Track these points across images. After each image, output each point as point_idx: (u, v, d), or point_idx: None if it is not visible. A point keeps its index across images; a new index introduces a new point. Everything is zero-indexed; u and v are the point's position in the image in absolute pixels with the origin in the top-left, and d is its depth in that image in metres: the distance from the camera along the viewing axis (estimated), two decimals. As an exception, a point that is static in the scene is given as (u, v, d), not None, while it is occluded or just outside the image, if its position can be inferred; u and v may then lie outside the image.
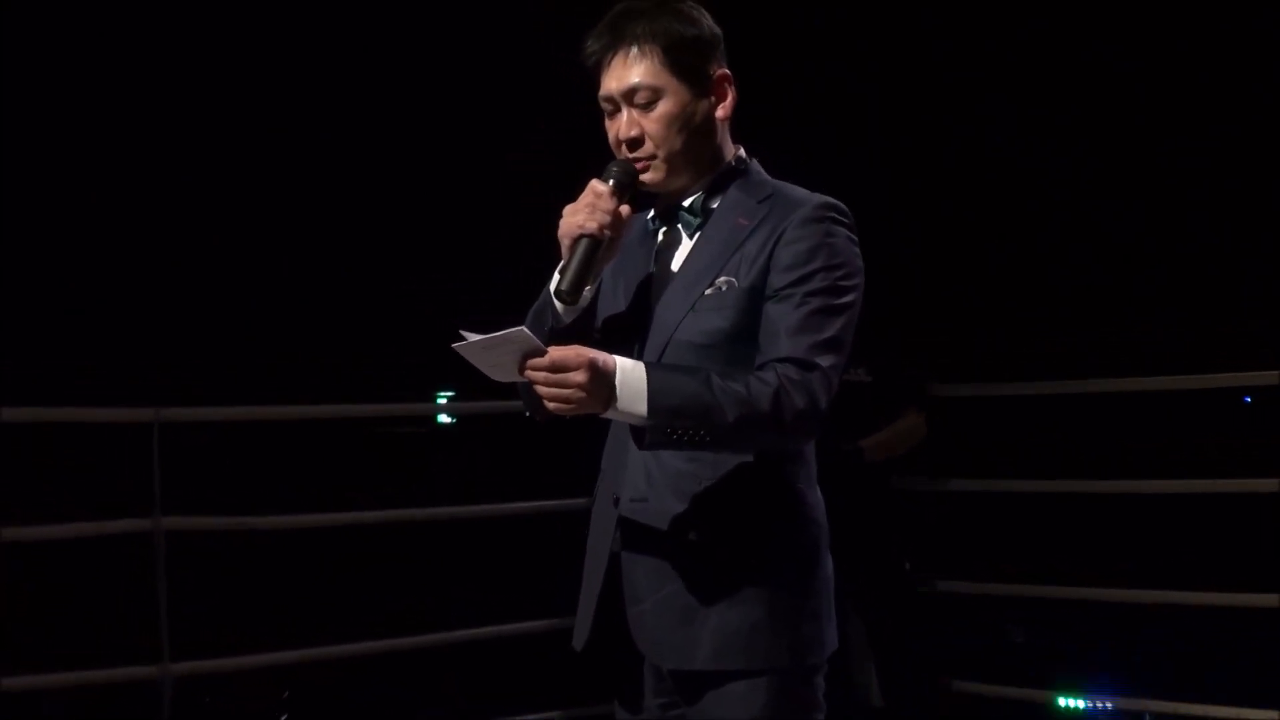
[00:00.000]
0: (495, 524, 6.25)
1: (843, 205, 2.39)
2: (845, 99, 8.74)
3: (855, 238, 2.38)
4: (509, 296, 2.62)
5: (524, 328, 2.21)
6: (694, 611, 2.32)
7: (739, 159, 2.46)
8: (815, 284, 2.31)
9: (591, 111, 2.47)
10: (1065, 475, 6.75)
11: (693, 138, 2.39)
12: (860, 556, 4.27)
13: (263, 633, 5.36)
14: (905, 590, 4.92)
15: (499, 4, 9.07)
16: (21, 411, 4.50)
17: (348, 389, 7.29)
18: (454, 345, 2.21)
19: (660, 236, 2.46)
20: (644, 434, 2.25)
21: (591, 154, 2.47)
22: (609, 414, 2.25)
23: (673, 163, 2.39)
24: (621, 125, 2.39)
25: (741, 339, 2.33)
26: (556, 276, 2.33)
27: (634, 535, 2.37)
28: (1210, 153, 8.95)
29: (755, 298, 2.33)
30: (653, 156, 2.39)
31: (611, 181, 2.34)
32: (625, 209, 2.35)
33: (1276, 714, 4.75)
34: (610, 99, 2.40)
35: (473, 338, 2.19)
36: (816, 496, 2.42)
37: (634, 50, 2.37)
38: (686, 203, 2.44)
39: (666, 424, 2.22)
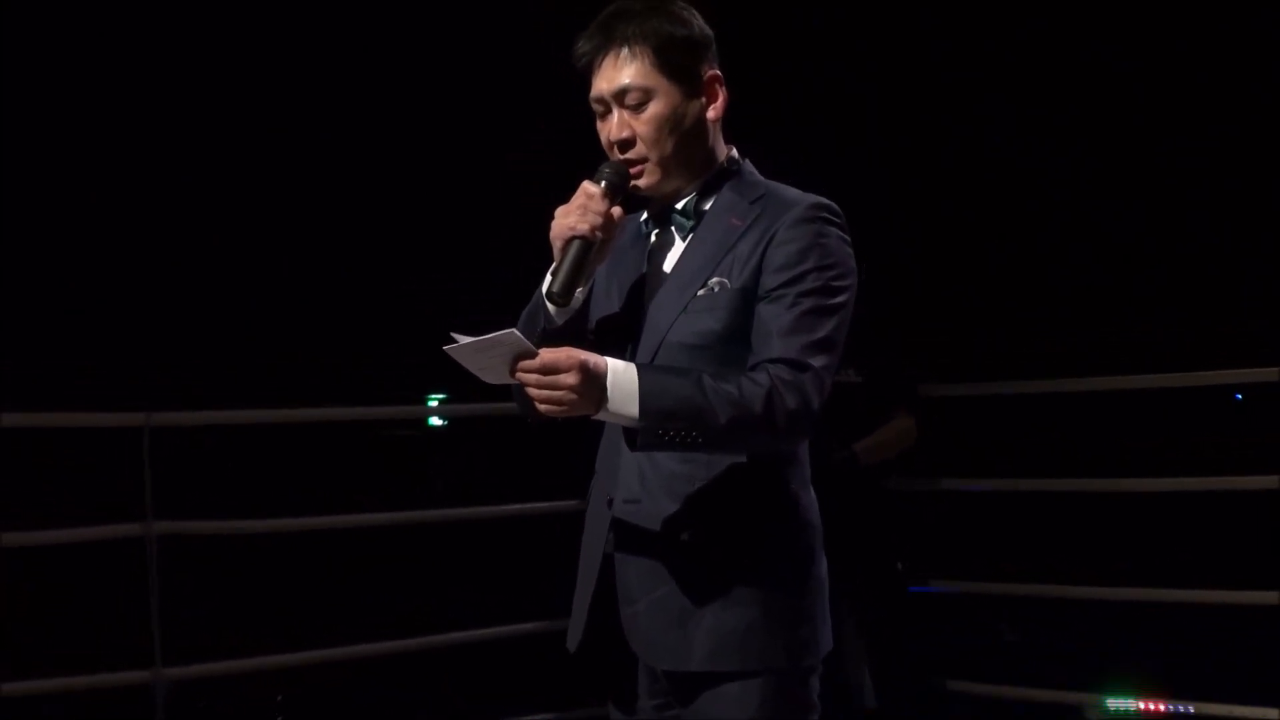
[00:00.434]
0: (490, 526, 6.25)
1: (835, 205, 2.39)
2: (844, 99, 8.74)
3: (848, 238, 2.37)
4: (509, 296, 2.61)
5: (515, 330, 2.20)
6: (688, 613, 2.31)
7: (731, 160, 2.46)
8: (807, 284, 2.30)
9: (591, 112, 2.46)
10: (1062, 474, 6.75)
11: (684, 139, 2.38)
12: (854, 557, 4.25)
13: (256, 636, 5.36)
14: (898, 590, 4.91)
15: (499, 4, 9.07)
16: (12, 417, 4.49)
17: (344, 391, 7.30)
18: (445, 348, 2.20)
19: (653, 238, 2.46)
20: (636, 436, 2.24)
21: (591, 154, 2.46)
22: (601, 416, 2.24)
23: (665, 166, 2.39)
24: (612, 126, 2.38)
25: (734, 340, 2.32)
26: (548, 278, 2.33)
27: (628, 536, 2.36)
28: (1209, 153, 8.96)
29: (748, 298, 2.32)
30: (644, 159, 2.38)
31: (603, 183, 2.34)
32: (617, 210, 2.34)
33: (1276, 712, 4.73)
34: (601, 100, 2.40)
35: (464, 340, 2.19)
36: (810, 497, 2.42)
37: (624, 51, 2.36)
38: (679, 205, 2.43)
39: (658, 425, 2.22)
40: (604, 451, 2.46)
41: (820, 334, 2.29)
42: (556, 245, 2.31)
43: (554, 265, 2.31)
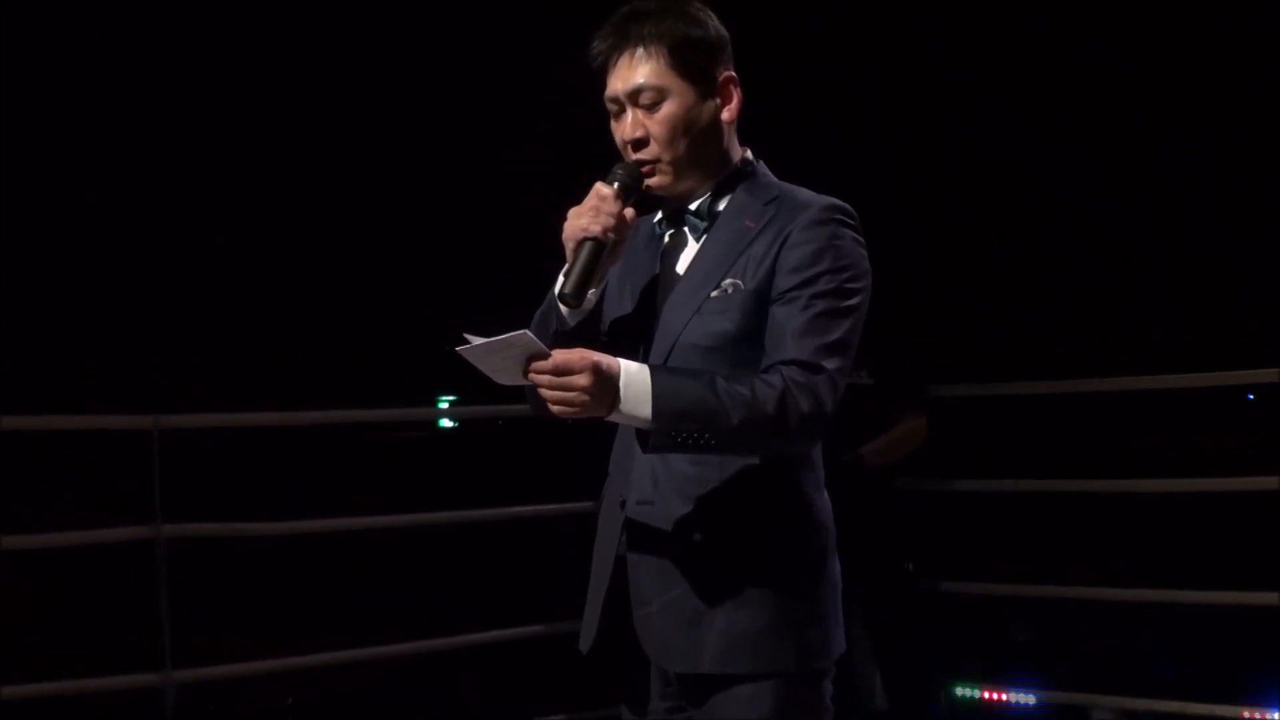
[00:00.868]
0: (499, 528, 6.24)
1: (849, 207, 2.38)
2: (844, 99, 8.74)
3: (862, 240, 2.37)
4: (509, 297, 2.61)
5: (527, 331, 2.20)
6: (700, 614, 2.31)
7: (745, 161, 2.46)
8: (821, 286, 2.30)
9: (592, 112, 2.46)
10: (1066, 475, 6.75)
11: (698, 139, 2.38)
12: (864, 559, 4.25)
13: (265, 639, 5.36)
14: (907, 591, 4.91)
15: (499, 4, 9.07)
16: (20, 420, 4.49)
17: (349, 393, 7.30)
18: (458, 348, 2.20)
19: (666, 239, 2.46)
20: (649, 437, 2.24)
21: (592, 155, 2.46)
22: (613, 417, 2.24)
23: (678, 166, 2.38)
24: (626, 126, 2.38)
25: (747, 342, 2.32)
26: (560, 279, 2.32)
27: (640, 538, 2.36)
28: (1209, 153, 8.97)
29: (761, 300, 2.32)
30: (658, 159, 2.38)
31: (616, 184, 2.34)
32: (629, 211, 2.34)
33: (1277, 713, 4.74)
34: (616, 99, 2.39)
35: (476, 340, 2.18)
36: (824, 499, 2.41)
37: (640, 51, 2.36)
38: (693, 206, 2.43)
39: (671, 427, 2.21)
40: (617, 453, 2.46)
41: (834, 336, 2.29)
42: (569, 246, 2.31)
43: (566, 267, 2.31)
